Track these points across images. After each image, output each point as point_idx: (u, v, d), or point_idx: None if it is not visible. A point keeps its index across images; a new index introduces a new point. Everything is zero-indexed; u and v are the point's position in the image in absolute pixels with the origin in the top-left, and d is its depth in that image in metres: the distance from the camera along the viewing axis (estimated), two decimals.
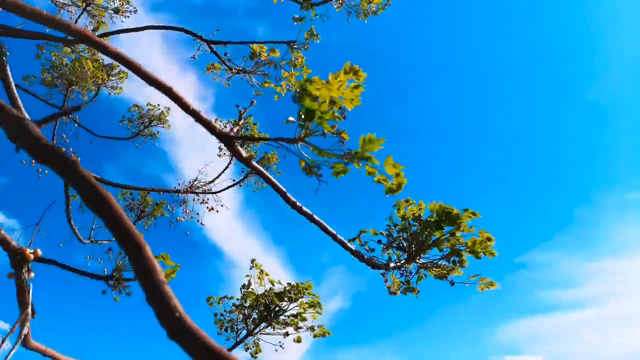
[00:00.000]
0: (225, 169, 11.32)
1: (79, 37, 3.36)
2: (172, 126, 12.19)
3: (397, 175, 2.95)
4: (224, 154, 11.95)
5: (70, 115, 10.36)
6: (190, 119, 3.79)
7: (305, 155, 3.70)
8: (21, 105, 6.90)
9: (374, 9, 6.49)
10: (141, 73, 3.37)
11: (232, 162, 11.75)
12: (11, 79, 6.59)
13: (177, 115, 12.18)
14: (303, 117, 3.62)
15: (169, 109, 11.70)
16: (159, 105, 11.49)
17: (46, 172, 9.92)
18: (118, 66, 9.96)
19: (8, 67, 6.89)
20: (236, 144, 3.97)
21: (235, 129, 4.19)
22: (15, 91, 6.75)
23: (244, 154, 4.03)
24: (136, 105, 11.51)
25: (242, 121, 4.53)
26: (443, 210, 4.43)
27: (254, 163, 4.05)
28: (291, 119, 3.74)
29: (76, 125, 10.29)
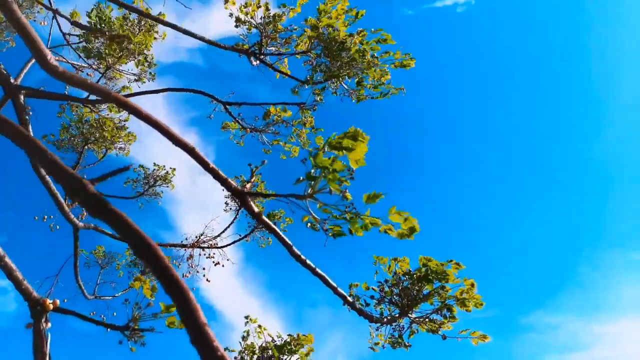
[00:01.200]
0: (231, 224, 11.58)
1: (116, 102, 3.78)
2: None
3: (405, 220, 3.22)
4: (230, 209, 12.25)
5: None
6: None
7: (312, 212, 4.00)
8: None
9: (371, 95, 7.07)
10: (169, 134, 3.76)
11: (237, 217, 12.02)
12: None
13: (177, 175, 12.53)
14: (313, 174, 3.96)
15: (174, 169, 12.05)
16: (164, 165, 11.92)
17: (58, 227, 10.23)
18: (127, 128, 10.53)
19: (30, 127, 7.37)
20: (249, 200, 4.29)
21: (248, 186, 4.53)
22: None
23: (256, 209, 4.34)
24: (141, 166, 11.91)
25: (253, 178, 4.88)
26: (429, 267, 4.64)
27: (264, 218, 4.35)
28: (301, 178, 4.07)
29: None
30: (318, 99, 7.35)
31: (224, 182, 4.01)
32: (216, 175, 4.03)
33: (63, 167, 2.30)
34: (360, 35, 6.70)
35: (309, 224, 3.90)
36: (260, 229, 10.56)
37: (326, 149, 3.71)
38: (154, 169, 11.71)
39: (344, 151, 3.66)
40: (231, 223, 11.58)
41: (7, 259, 3.41)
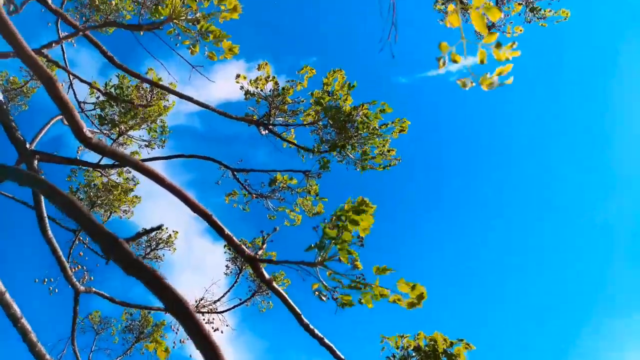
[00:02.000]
0: (231, 287, 11.50)
1: (143, 171, 4.00)
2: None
3: (413, 288, 3.33)
4: (230, 272, 12.20)
5: (80, 237, 10.90)
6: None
7: (322, 280, 4.10)
8: (48, 228, 7.42)
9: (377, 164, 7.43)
10: (190, 202, 3.95)
11: (237, 281, 11.94)
12: (42, 199, 7.21)
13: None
14: (323, 243, 4.11)
15: (176, 232, 12.16)
16: (167, 228, 12.02)
17: (56, 290, 10.14)
18: (132, 190, 10.76)
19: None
20: (261, 266, 4.40)
21: (260, 252, 4.65)
22: (44, 211, 7.32)
23: (267, 276, 4.44)
24: (144, 229, 11.98)
25: (265, 245, 5.01)
26: (438, 345, 4.67)
27: (275, 285, 4.44)
28: (312, 245, 4.22)
29: (85, 246, 10.78)
30: (323, 167, 7.66)
31: (237, 248, 4.15)
32: (230, 241, 4.17)
33: (100, 225, 2.46)
34: (364, 108, 7.14)
35: (317, 292, 3.98)
36: (261, 293, 10.48)
37: (334, 219, 3.90)
38: (156, 232, 11.79)
39: (351, 225, 3.83)
40: (231, 287, 11.50)
41: (24, 321, 3.47)
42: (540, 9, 8.55)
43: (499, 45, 1.99)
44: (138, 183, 10.05)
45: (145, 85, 10.06)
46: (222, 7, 4.87)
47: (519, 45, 2.09)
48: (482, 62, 2.04)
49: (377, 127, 7.05)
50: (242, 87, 8.27)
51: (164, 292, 2.24)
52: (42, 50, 6.91)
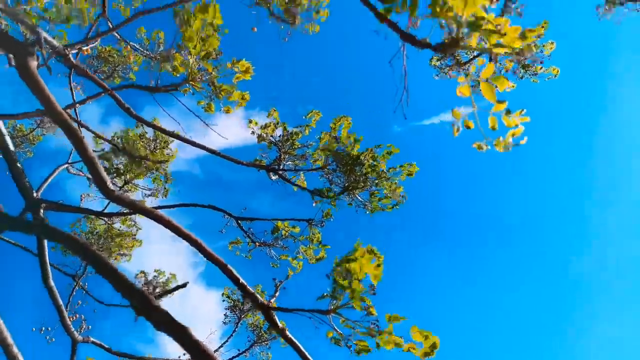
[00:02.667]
0: (229, 337, 11.32)
1: (158, 219, 4.14)
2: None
3: (426, 338, 3.41)
4: (229, 321, 12.05)
5: (80, 283, 10.84)
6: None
7: (336, 327, 4.18)
8: (50, 276, 7.43)
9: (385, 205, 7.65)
10: (207, 253, 4.07)
11: (236, 330, 11.78)
12: (45, 247, 7.25)
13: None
14: (337, 292, 4.22)
15: (174, 274, 12.10)
16: (164, 272, 11.98)
17: (53, 339, 9.99)
18: (134, 236, 10.81)
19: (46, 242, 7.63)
20: (273, 315, 4.47)
21: (272, 301, 4.73)
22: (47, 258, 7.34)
23: (280, 325, 4.50)
24: (142, 272, 11.96)
25: (277, 292, 5.09)
26: None
27: (288, 334, 4.49)
28: (325, 294, 4.32)
29: (84, 292, 10.70)
30: (326, 216, 7.84)
31: (251, 296, 4.24)
32: (244, 290, 4.26)
33: (134, 285, 2.58)
34: (371, 152, 7.44)
35: (333, 340, 4.05)
36: (260, 343, 10.35)
37: (343, 267, 4.03)
38: (155, 275, 11.71)
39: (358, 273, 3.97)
40: (230, 336, 11.33)
41: None
42: (531, 66, 9.06)
43: (508, 112, 2.22)
44: (140, 229, 10.13)
45: (148, 134, 10.36)
46: (236, 69, 5.20)
47: (513, 101, 2.33)
48: (493, 128, 2.27)
49: (385, 170, 7.31)
50: (253, 132, 8.53)
51: (193, 348, 2.34)
52: (68, 110, 7.17)
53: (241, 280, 4.24)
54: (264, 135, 8.22)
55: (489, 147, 2.28)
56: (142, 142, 10.01)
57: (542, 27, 8.61)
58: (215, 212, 9.15)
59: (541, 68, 9.14)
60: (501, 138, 2.26)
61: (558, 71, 9.13)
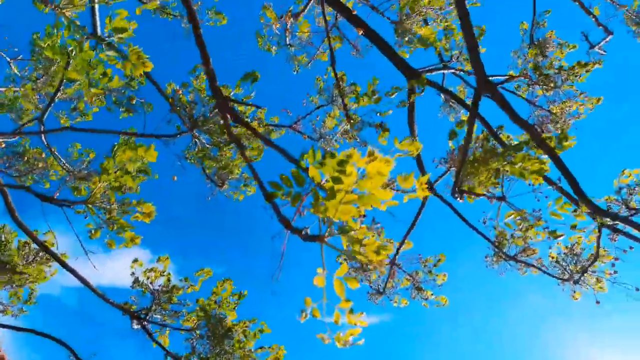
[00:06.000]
0: None
1: None
2: None
3: None
4: None
5: None
6: None
7: None
8: None
9: None
10: None
11: None
12: None
13: None
14: None
15: None
16: None
17: None
18: None
19: None
20: None
21: None
22: None
23: None
24: None
25: None
26: None
27: None
28: None
29: None
30: None
31: None
32: None
33: None
34: (245, 325, 7.23)
35: None
36: None
37: None
38: None
39: None
40: None
41: None
42: (424, 290, 9.87)
43: (351, 311, 2.46)
44: None
45: (32, 245, 9.52)
46: (139, 209, 5.28)
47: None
48: (336, 322, 2.47)
49: (252, 350, 7.02)
50: (133, 274, 8.12)
51: None
52: None
53: None
54: (144, 280, 7.86)
55: (331, 340, 2.44)
56: (23, 251, 9.16)
57: (408, 244, 9.59)
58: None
59: (432, 294, 9.93)
60: (341, 334, 2.45)
61: (447, 301, 9.96)
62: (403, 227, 8.90)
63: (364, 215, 2.95)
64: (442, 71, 9.28)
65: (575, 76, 9.64)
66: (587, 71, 9.66)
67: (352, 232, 2.75)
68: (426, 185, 3.69)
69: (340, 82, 7.32)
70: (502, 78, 6.62)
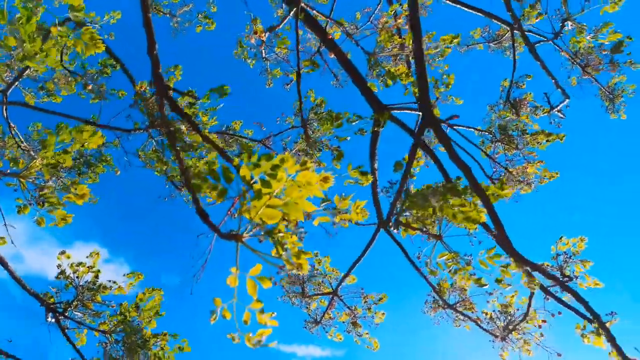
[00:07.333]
0: None
1: None
2: None
3: None
4: None
5: None
6: None
7: None
8: None
9: None
10: None
11: None
12: None
13: None
14: None
15: None
16: None
17: None
18: None
19: None
20: None
21: None
22: None
23: None
24: None
25: None
26: None
27: None
28: None
29: None
30: None
31: None
32: None
33: None
34: (165, 338, 6.92)
35: None
36: None
37: None
38: None
39: None
40: None
41: None
42: (360, 326, 9.71)
43: (262, 312, 2.39)
44: None
45: None
46: (72, 189, 5.03)
47: None
48: (245, 322, 2.39)
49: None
50: (59, 266, 7.67)
51: None
52: None
53: None
54: (70, 273, 7.42)
55: (240, 340, 2.35)
56: None
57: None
58: None
59: (367, 333, 9.79)
60: (251, 334, 2.37)
61: (378, 346, 9.82)
62: (352, 257, 8.86)
63: (298, 226, 2.92)
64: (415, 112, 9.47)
65: (537, 143, 10.06)
66: (547, 141, 10.10)
67: (279, 235, 2.71)
68: (362, 210, 3.72)
69: (301, 103, 7.39)
70: (455, 120, 6.87)
